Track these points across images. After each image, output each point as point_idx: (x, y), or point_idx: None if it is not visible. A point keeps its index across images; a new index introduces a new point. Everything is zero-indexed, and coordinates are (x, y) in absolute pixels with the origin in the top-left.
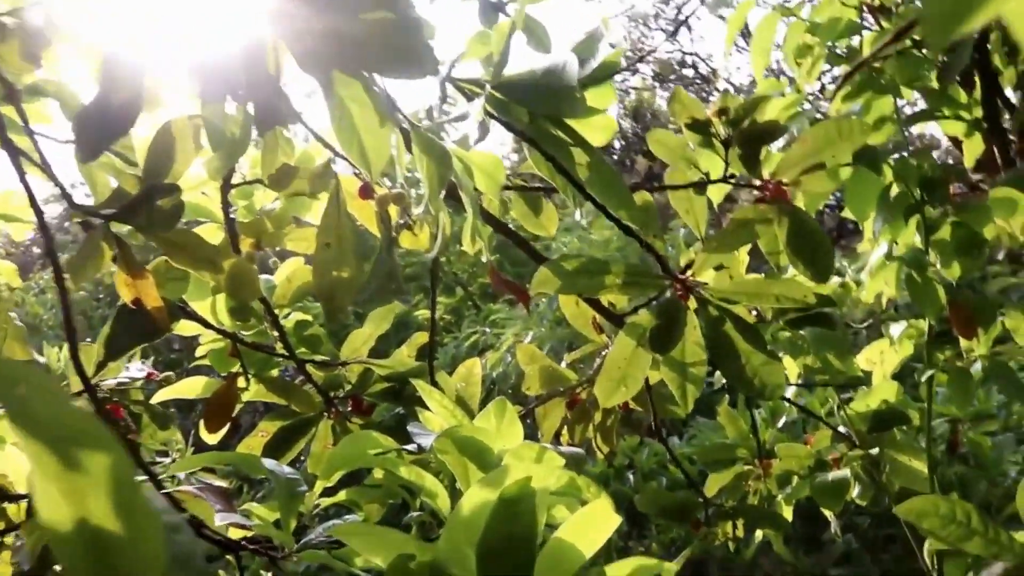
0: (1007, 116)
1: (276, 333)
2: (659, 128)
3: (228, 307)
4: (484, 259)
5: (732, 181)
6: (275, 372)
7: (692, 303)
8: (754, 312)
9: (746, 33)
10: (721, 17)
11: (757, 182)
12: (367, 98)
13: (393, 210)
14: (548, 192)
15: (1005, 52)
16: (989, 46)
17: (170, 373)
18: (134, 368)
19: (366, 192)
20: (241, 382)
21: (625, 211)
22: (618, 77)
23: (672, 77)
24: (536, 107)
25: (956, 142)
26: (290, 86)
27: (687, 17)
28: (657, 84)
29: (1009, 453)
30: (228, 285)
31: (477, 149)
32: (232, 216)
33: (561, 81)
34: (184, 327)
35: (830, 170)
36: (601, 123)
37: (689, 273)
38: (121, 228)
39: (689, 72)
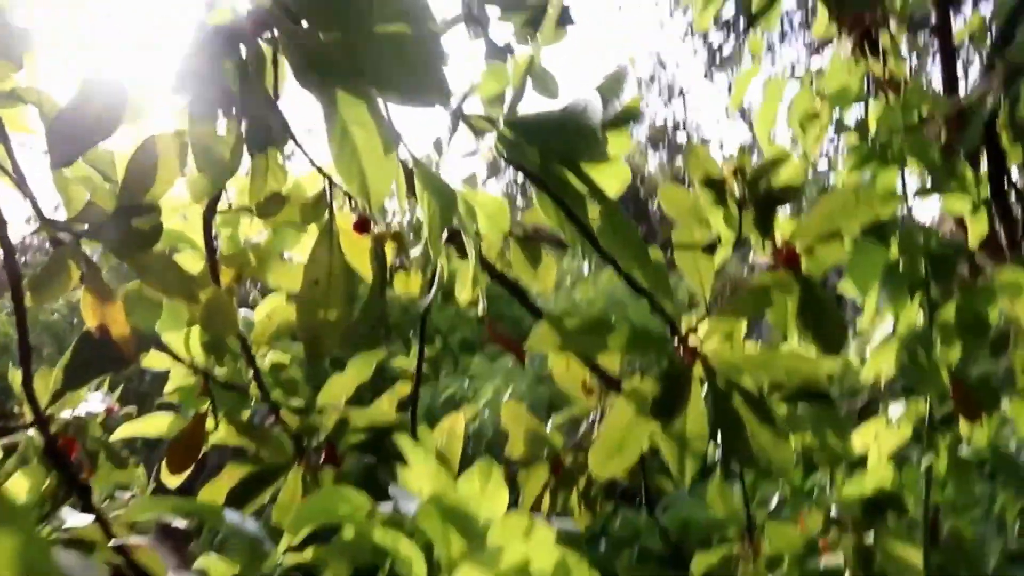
0: (1012, 196)
1: (251, 373)
2: (671, 185)
3: (203, 341)
4: (480, 310)
5: (746, 246)
6: (246, 414)
7: (697, 371)
8: None
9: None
10: (713, 83)
11: (770, 246)
12: (372, 122)
13: (389, 249)
14: (552, 244)
15: (1012, 132)
16: (997, 123)
17: (131, 408)
18: (95, 400)
19: (362, 226)
20: (209, 423)
21: (639, 268)
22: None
23: (665, 142)
24: (551, 148)
25: (959, 221)
26: (287, 106)
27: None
28: (650, 148)
29: (991, 542)
30: (203, 317)
31: (482, 191)
32: (214, 245)
33: (581, 121)
34: (154, 360)
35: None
36: (615, 172)
37: (696, 339)
38: (93, 247)
39: (682, 138)
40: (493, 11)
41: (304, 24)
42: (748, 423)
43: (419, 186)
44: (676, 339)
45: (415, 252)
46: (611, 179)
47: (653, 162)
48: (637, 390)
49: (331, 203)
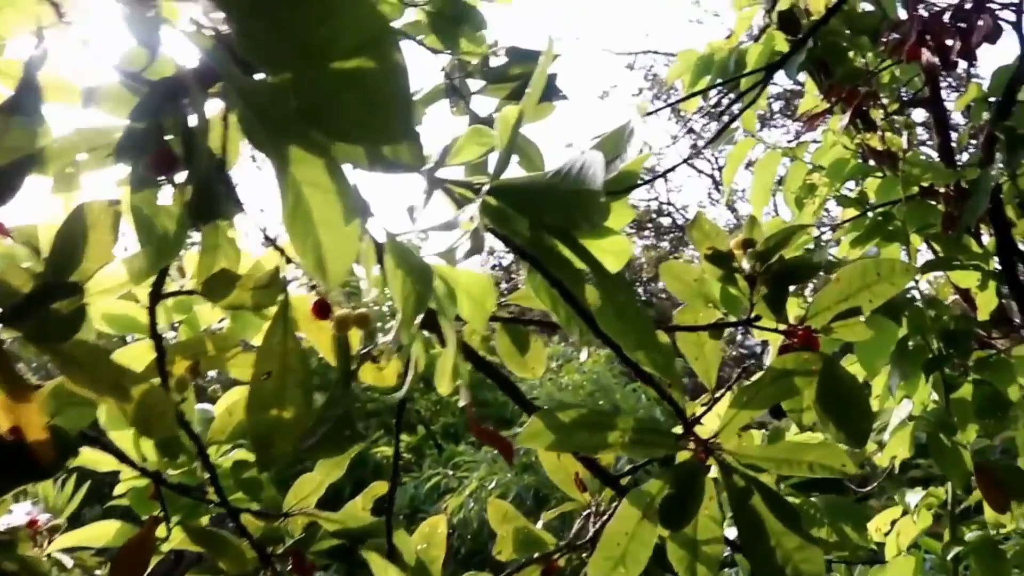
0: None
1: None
2: (673, 261)
3: (155, 440)
4: (462, 403)
5: (757, 325)
6: (205, 520)
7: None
8: None
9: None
10: (696, 169)
11: (783, 327)
12: (331, 184)
13: (355, 335)
14: (542, 328)
15: (1017, 202)
16: (1002, 196)
17: (59, 520)
18: (19, 512)
19: (322, 310)
20: (161, 530)
21: (645, 353)
22: None
23: (648, 225)
24: (543, 217)
25: (966, 295)
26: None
27: (665, 172)
28: (633, 231)
29: None
30: (136, 417)
31: (463, 268)
32: (161, 332)
33: (580, 184)
34: (99, 461)
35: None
36: (616, 246)
37: (711, 433)
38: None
39: (665, 221)
40: (476, 84)
41: (255, 74)
42: (770, 527)
43: (390, 263)
44: (693, 434)
45: (387, 337)
46: (611, 254)
47: (638, 246)
48: (644, 492)
49: (286, 283)
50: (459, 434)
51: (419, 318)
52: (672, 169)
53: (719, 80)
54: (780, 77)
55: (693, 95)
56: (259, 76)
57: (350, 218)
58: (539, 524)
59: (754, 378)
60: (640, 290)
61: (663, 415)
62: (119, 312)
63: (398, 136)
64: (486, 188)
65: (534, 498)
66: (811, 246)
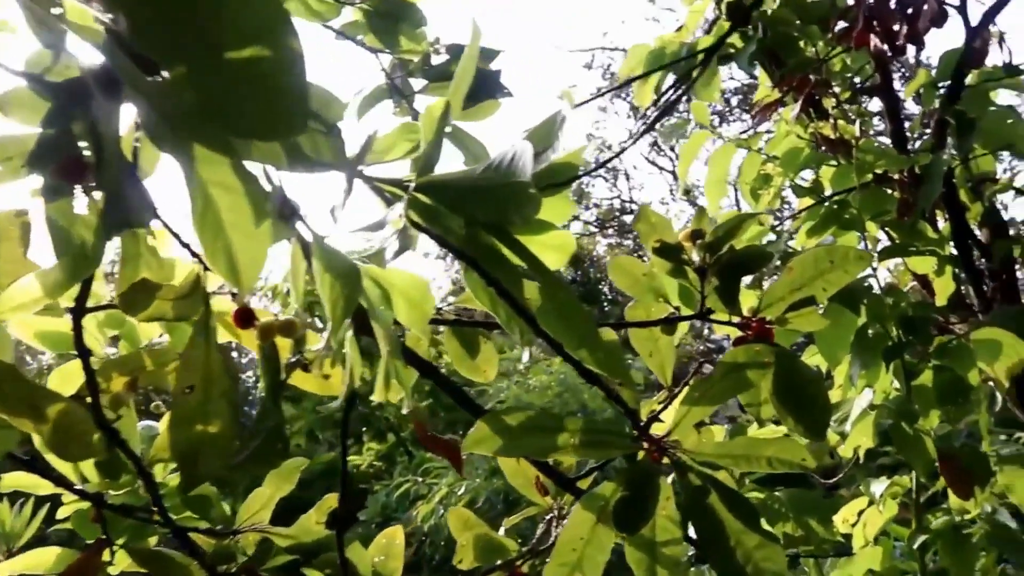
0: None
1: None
2: (622, 255)
3: (96, 460)
4: (404, 410)
5: (710, 318)
6: (153, 540)
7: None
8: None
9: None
10: (658, 166)
11: (736, 319)
12: (238, 184)
13: (284, 344)
14: (488, 329)
15: (970, 186)
16: (955, 180)
17: None
18: None
19: (244, 319)
20: (106, 554)
21: (588, 351)
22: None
23: (612, 223)
24: (475, 213)
25: (923, 281)
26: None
27: (642, 133)
28: (597, 230)
29: None
30: (52, 439)
31: (399, 268)
32: (87, 348)
33: (509, 177)
34: (37, 485)
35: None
36: (556, 241)
37: (664, 429)
38: None
39: (628, 219)
40: (418, 83)
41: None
42: (729, 526)
43: (318, 266)
44: (645, 434)
45: (318, 345)
46: (552, 250)
47: (602, 244)
48: (598, 495)
49: (206, 292)
50: None
51: (347, 321)
52: (611, 160)
53: (661, 71)
54: (739, 72)
55: (632, 80)
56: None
57: (260, 220)
58: (501, 530)
59: (707, 373)
60: (605, 288)
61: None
62: (50, 329)
63: (295, 129)
64: (413, 185)
65: (504, 502)
66: (771, 237)
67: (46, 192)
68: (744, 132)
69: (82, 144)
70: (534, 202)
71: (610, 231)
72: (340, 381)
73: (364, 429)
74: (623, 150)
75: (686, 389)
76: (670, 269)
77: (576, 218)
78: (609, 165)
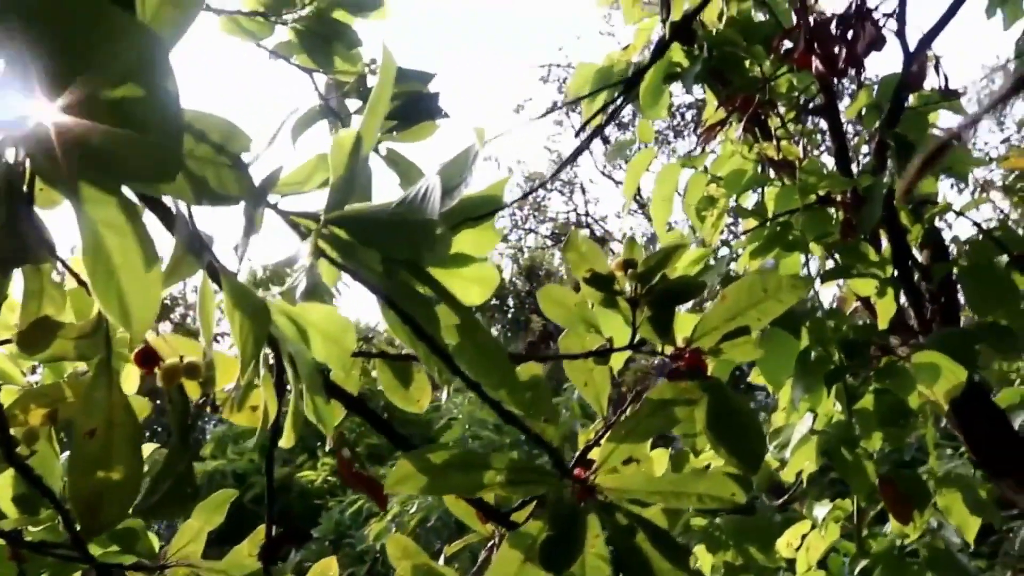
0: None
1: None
2: (552, 285)
3: (13, 494)
4: (328, 446)
5: (642, 349)
6: None
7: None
8: None
9: (639, 197)
10: (614, 180)
11: (670, 350)
12: (127, 225)
13: (192, 386)
14: (417, 360)
15: (910, 208)
16: (895, 202)
17: None
18: None
19: (146, 360)
20: None
21: (506, 391)
22: (513, 236)
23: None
24: (389, 249)
25: (867, 303)
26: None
27: (576, 153)
28: (552, 243)
29: None
30: None
31: (316, 304)
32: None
33: (418, 214)
34: None
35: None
36: (478, 274)
37: (592, 470)
38: None
39: (585, 233)
40: (354, 103)
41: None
42: (657, 565)
43: (227, 302)
44: (567, 473)
45: (229, 385)
46: (474, 283)
47: (557, 257)
48: (524, 533)
49: (108, 332)
50: (384, 456)
51: (256, 359)
52: (555, 174)
53: (608, 89)
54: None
55: (581, 98)
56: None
57: (151, 264)
58: (441, 560)
59: (632, 409)
60: None
61: (583, 428)
62: None
63: (168, 172)
64: (323, 220)
65: (456, 523)
66: (712, 259)
67: None
68: (691, 151)
69: None
70: (443, 240)
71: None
72: (259, 417)
73: (319, 444)
74: (563, 165)
75: (613, 428)
76: (602, 299)
77: (532, 231)
78: (564, 178)
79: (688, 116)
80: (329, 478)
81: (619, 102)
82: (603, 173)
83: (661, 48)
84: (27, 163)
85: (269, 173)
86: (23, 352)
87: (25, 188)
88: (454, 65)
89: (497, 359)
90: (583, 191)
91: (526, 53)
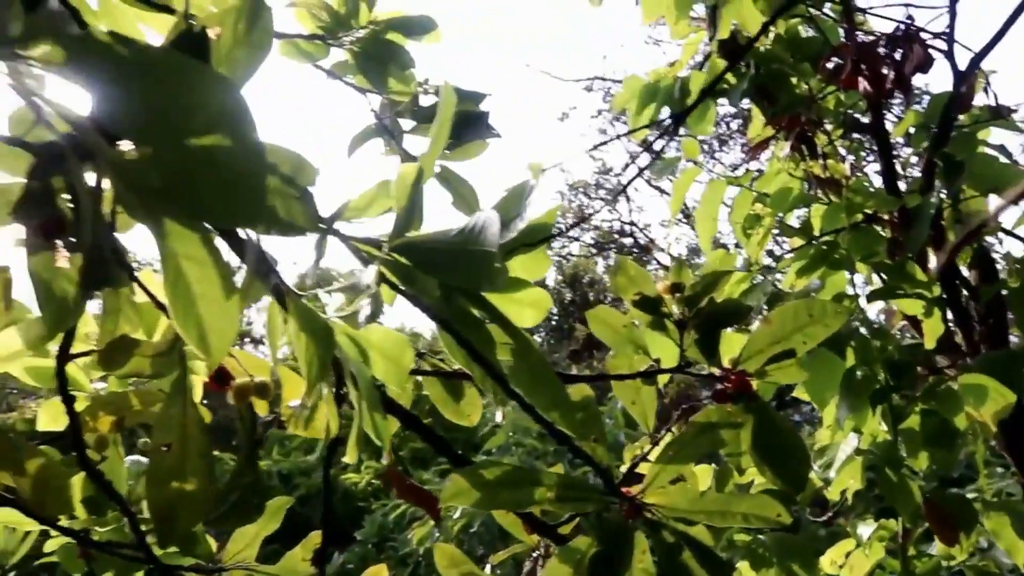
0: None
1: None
2: (601, 305)
3: (82, 496)
4: (384, 460)
5: (689, 371)
6: None
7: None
8: None
9: (684, 207)
10: (660, 189)
11: (717, 371)
12: (208, 257)
13: (260, 404)
14: (469, 379)
15: (958, 228)
16: (943, 222)
17: None
18: None
19: (219, 379)
20: None
21: (558, 413)
22: (556, 243)
23: (611, 245)
24: (449, 278)
25: (914, 322)
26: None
27: (624, 186)
28: (596, 252)
29: None
30: (30, 493)
31: (376, 325)
32: (71, 394)
33: (477, 246)
34: (20, 522)
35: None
36: (532, 298)
37: (640, 489)
38: None
39: (628, 241)
40: (408, 123)
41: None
42: None
43: (292, 325)
44: (617, 492)
45: (294, 403)
46: (528, 307)
47: (600, 265)
48: (574, 548)
49: (183, 352)
50: (427, 460)
51: (322, 379)
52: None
53: (665, 106)
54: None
55: (635, 130)
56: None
57: (230, 293)
58: (487, 568)
59: (678, 427)
60: None
61: (627, 439)
62: (40, 365)
63: (253, 217)
64: (386, 248)
65: (498, 528)
66: (758, 278)
67: (29, 246)
68: (737, 168)
69: (66, 196)
70: (501, 273)
71: (610, 253)
72: (322, 428)
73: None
74: (621, 191)
75: (660, 448)
76: (650, 322)
77: (576, 239)
78: (608, 186)
79: (733, 125)
80: (373, 481)
81: (666, 139)
82: (648, 182)
83: (727, 67)
84: (108, 188)
85: (337, 208)
86: (103, 369)
87: (107, 214)
88: (499, 74)
89: (550, 381)
90: (627, 199)
91: (571, 62)
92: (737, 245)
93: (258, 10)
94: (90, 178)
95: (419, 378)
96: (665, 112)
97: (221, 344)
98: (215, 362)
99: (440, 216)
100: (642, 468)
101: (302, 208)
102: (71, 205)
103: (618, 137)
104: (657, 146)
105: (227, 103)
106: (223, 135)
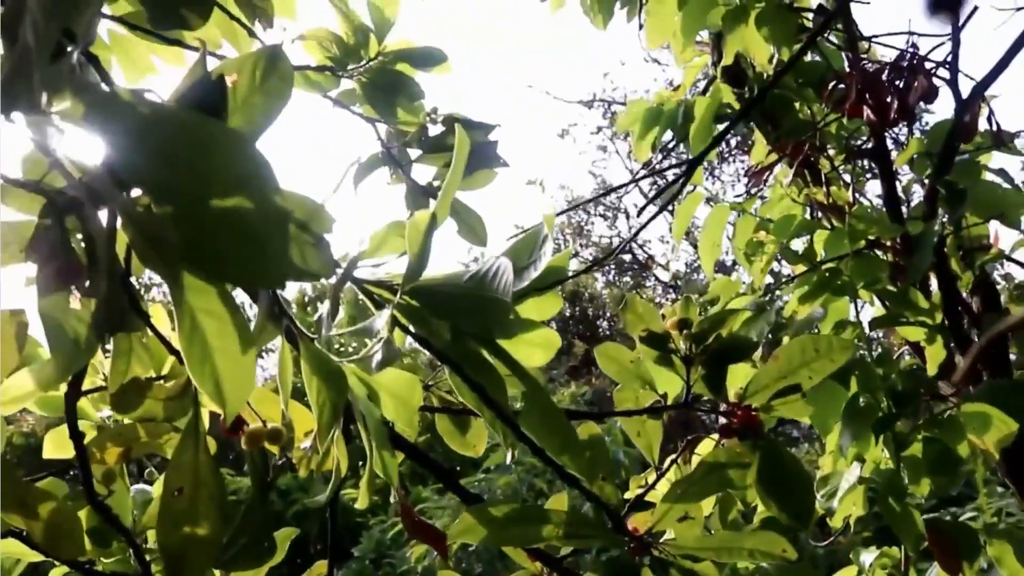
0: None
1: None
2: (610, 343)
3: (87, 527)
4: (392, 498)
5: (695, 407)
6: None
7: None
8: None
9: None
10: (666, 209)
11: (723, 406)
12: (225, 312)
13: (272, 447)
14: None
15: (960, 256)
16: (946, 250)
17: None
18: None
19: (233, 425)
20: None
21: (569, 456)
22: None
23: (610, 261)
24: (462, 323)
25: (916, 348)
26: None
27: (637, 233)
28: (595, 268)
29: None
30: (44, 536)
31: (387, 369)
32: (80, 431)
33: (491, 293)
34: (23, 553)
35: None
36: (542, 339)
37: (646, 527)
38: None
39: (627, 257)
40: (415, 152)
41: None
42: None
43: (305, 368)
44: (624, 530)
45: (305, 444)
46: (538, 347)
47: (600, 281)
48: None
49: (196, 395)
50: (426, 477)
51: (336, 425)
52: (638, 232)
53: (668, 131)
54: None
55: (650, 172)
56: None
57: (247, 346)
58: None
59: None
60: (604, 324)
61: (626, 456)
62: (50, 395)
63: (276, 280)
64: (399, 293)
65: (499, 548)
66: (757, 304)
67: (41, 287)
68: (740, 195)
69: (78, 235)
70: (512, 323)
71: (609, 269)
72: (330, 464)
73: (361, 463)
74: (641, 227)
75: (668, 486)
76: (656, 357)
77: (575, 255)
78: (608, 203)
79: (732, 143)
80: (371, 497)
81: (678, 185)
82: (647, 198)
83: (728, 128)
84: (121, 231)
85: (353, 256)
86: (116, 412)
87: (122, 260)
88: (500, 90)
89: (560, 425)
90: (627, 216)
91: (572, 78)
92: (734, 263)
93: (276, 57)
94: (104, 220)
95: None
96: (667, 135)
97: (238, 397)
98: (231, 414)
99: (445, 242)
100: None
101: (317, 255)
102: (83, 245)
103: (635, 180)
104: (669, 178)
105: (249, 164)
106: (245, 197)
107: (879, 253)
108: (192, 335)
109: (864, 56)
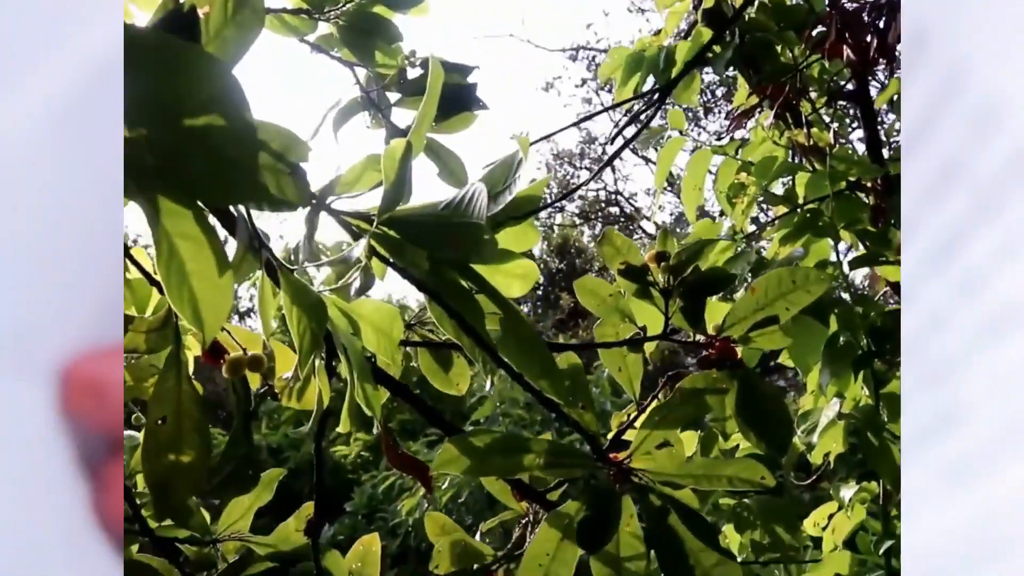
0: None
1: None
2: (588, 275)
3: None
4: (375, 430)
5: (674, 338)
6: (135, 548)
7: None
8: None
9: (670, 176)
10: (645, 158)
11: (701, 338)
12: (201, 235)
13: (253, 376)
14: (458, 349)
15: None
16: None
17: None
18: None
19: (213, 353)
20: None
21: (547, 381)
22: (543, 214)
23: (597, 215)
24: (438, 250)
25: (896, 288)
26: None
27: (611, 159)
28: (582, 221)
29: None
30: None
31: (368, 299)
32: None
33: (466, 218)
34: None
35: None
36: (520, 270)
37: (627, 454)
38: None
39: (614, 210)
40: (394, 95)
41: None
42: (689, 544)
43: (285, 299)
44: (604, 457)
45: (287, 374)
46: (514, 279)
47: (587, 235)
48: (561, 513)
49: (178, 326)
50: (416, 432)
51: (315, 353)
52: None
53: (650, 76)
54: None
55: (621, 103)
56: None
57: (223, 270)
58: (477, 536)
59: (664, 394)
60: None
61: (612, 407)
62: None
63: (245, 195)
64: (376, 223)
65: (487, 498)
66: (743, 246)
67: None
68: (721, 136)
69: None
70: (488, 244)
71: (596, 222)
72: (313, 400)
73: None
74: (608, 163)
75: (646, 413)
76: (635, 290)
77: (561, 209)
78: (593, 156)
79: (718, 93)
80: (362, 453)
81: (651, 110)
82: (633, 151)
83: (713, 38)
84: None
85: (328, 183)
86: None
87: None
88: (482, 43)
89: (538, 350)
90: (613, 169)
91: (555, 30)
92: (722, 213)
93: None
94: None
95: (407, 349)
96: (651, 82)
97: (215, 319)
98: (210, 337)
99: (428, 187)
100: (629, 435)
101: (293, 184)
102: None
103: (604, 109)
104: (643, 118)
105: (221, 85)
106: (217, 116)
107: (860, 195)
108: (170, 260)
109: None
